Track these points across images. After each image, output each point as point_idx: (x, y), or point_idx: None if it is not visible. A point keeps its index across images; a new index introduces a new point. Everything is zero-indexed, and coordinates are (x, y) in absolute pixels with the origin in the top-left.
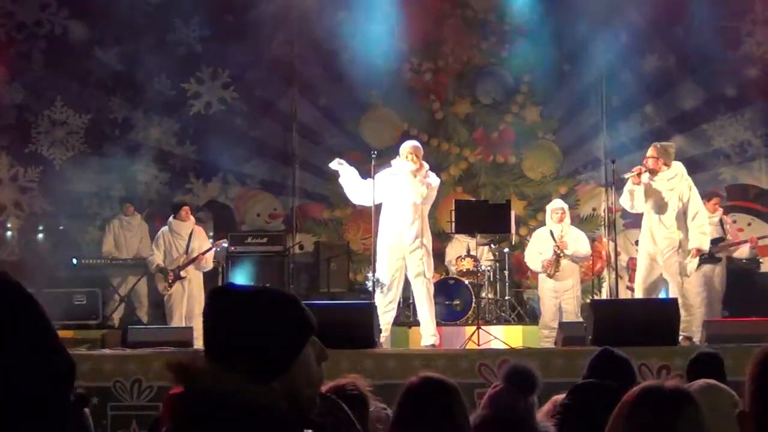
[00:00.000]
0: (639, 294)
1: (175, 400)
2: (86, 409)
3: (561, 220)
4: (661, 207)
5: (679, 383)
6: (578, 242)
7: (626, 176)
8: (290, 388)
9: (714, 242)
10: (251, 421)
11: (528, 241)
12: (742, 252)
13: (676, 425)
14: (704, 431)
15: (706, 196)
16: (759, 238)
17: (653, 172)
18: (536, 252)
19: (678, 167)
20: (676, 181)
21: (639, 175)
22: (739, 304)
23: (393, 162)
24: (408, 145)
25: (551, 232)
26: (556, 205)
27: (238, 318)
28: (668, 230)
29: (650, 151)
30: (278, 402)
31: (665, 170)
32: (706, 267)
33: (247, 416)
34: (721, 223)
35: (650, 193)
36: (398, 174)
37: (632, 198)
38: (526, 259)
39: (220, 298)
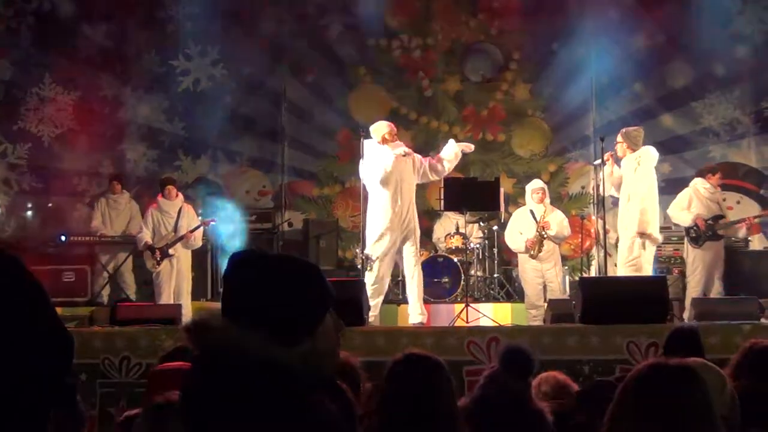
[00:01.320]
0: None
1: (190, 359)
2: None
3: (541, 200)
4: (626, 190)
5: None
6: (560, 223)
7: (595, 163)
8: (311, 354)
9: (714, 219)
10: (271, 380)
11: None
12: (740, 231)
13: (684, 400)
14: (711, 405)
15: (710, 171)
16: (754, 218)
17: (619, 158)
18: (517, 232)
19: (643, 152)
20: (638, 165)
21: (606, 161)
22: (728, 282)
23: (367, 142)
24: (384, 124)
25: (532, 212)
26: (536, 185)
27: (264, 282)
28: (630, 213)
29: (617, 137)
30: (298, 365)
31: (630, 154)
32: (708, 244)
33: (267, 375)
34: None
35: (618, 177)
36: (401, 156)
37: (611, 183)
38: (506, 239)
39: (245, 261)
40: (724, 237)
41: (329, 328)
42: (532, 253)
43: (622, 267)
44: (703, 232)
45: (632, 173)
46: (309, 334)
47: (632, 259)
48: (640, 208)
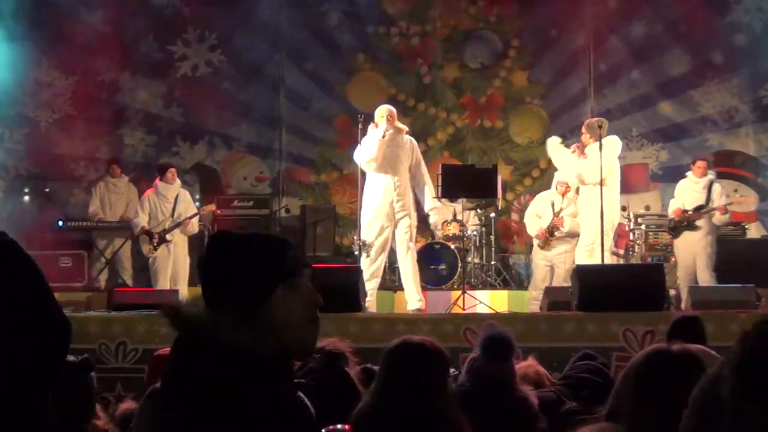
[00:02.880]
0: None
1: (173, 348)
2: (92, 374)
3: (564, 194)
4: (589, 178)
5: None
6: (575, 221)
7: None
8: (271, 327)
9: (696, 210)
10: (236, 362)
11: (515, 206)
12: (719, 218)
13: (688, 386)
14: None
15: (694, 160)
16: (727, 205)
17: (583, 148)
18: (535, 215)
19: (606, 141)
20: (600, 153)
21: (573, 152)
22: (725, 271)
23: (369, 128)
24: (385, 108)
25: (552, 203)
26: (562, 178)
27: (223, 258)
28: (592, 199)
29: (582, 128)
30: (261, 344)
31: (592, 143)
32: (686, 234)
33: (232, 358)
34: (710, 189)
35: (583, 167)
36: (394, 140)
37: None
38: (525, 219)
39: (215, 241)
40: (698, 228)
41: (288, 301)
42: (539, 243)
43: (580, 250)
44: (677, 223)
45: (596, 161)
46: (257, 304)
47: (589, 244)
48: (599, 194)
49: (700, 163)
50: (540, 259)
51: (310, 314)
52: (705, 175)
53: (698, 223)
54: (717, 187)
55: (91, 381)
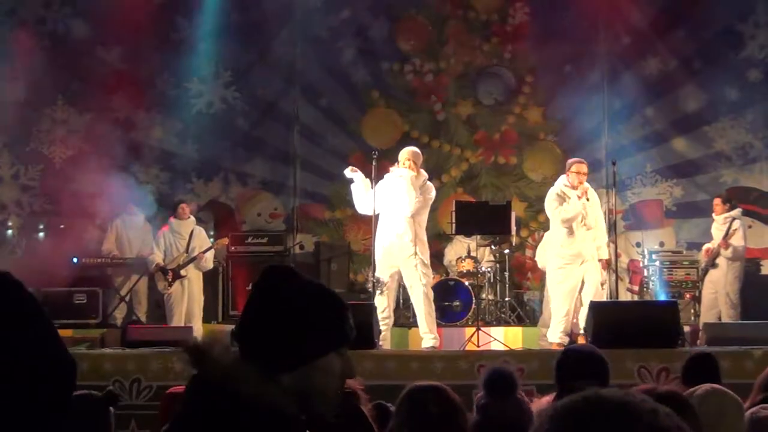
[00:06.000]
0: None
1: (191, 385)
2: (111, 408)
3: None
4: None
5: (674, 386)
6: None
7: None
8: (302, 387)
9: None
10: (255, 419)
11: (529, 243)
12: (725, 254)
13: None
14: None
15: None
16: (727, 238)
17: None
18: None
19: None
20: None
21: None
22: (741, 307)
23: (392, 168)
24: (407, 151)
25: None
26: None
27: (283, 303)
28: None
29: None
30: (285, 403)
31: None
32: (711, 272)
33: (251, 414)
34: (729, 226)
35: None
36: (396, 181)
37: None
38: (536, 257)
39: (275, 278)
40: (717, 265)
41: (333, 367)
42: None
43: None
44: (706, 263)
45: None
46: (306, 364)
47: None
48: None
49: (716, 201)
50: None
51: (342, 385)
52: (724, 212)
53: (718, 260)
54: (735, 224)
55: (110, 417)
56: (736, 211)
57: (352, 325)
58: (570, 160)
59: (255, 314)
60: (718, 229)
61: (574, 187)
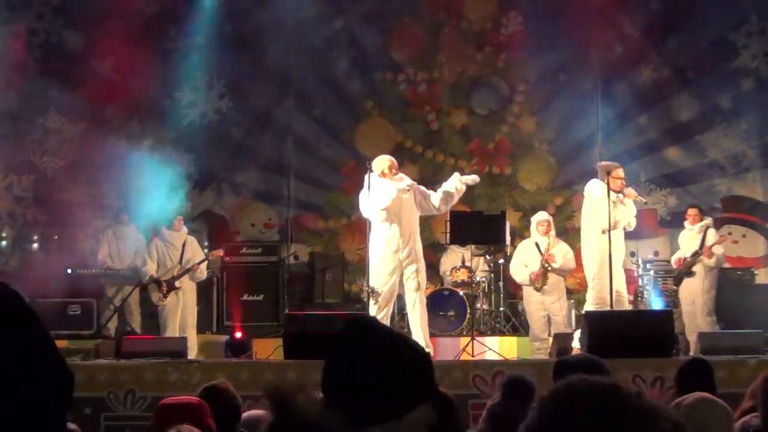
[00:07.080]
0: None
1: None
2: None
3: (546, 233)
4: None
5: (655, 396)
6: (565, 255)
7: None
8: None
9: (693, 255)
10: None
11: None
12: (707, 262)
13: None
14: None
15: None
16: (711, 246)
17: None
18: (522, 264)
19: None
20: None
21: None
22: (734, 316)
23: (373, 177)
24: (386, 159)
25: (537, 245)
26: (542, 217)
27: (364, 354)
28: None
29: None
30: None
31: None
32: (686, 281)
33: None
34: (704, 234)
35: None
36: (396, 189)
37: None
38: (511, 272)
39: (354, 327)
40: (693, 274)
41: (419, 419)
42: (536, 285)
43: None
44: (679, 271)
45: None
46: (396, 418)
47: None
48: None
49: (690, 211)
50: (536, 308)
51: None
52: (699, 221)
53: (694, 269)
54: (711, 232)
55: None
56: (709, 220)
57: (435, 378)
58: (605, 164)
59: (344, 367)
60: (691, 238)
61: (616, 192)
